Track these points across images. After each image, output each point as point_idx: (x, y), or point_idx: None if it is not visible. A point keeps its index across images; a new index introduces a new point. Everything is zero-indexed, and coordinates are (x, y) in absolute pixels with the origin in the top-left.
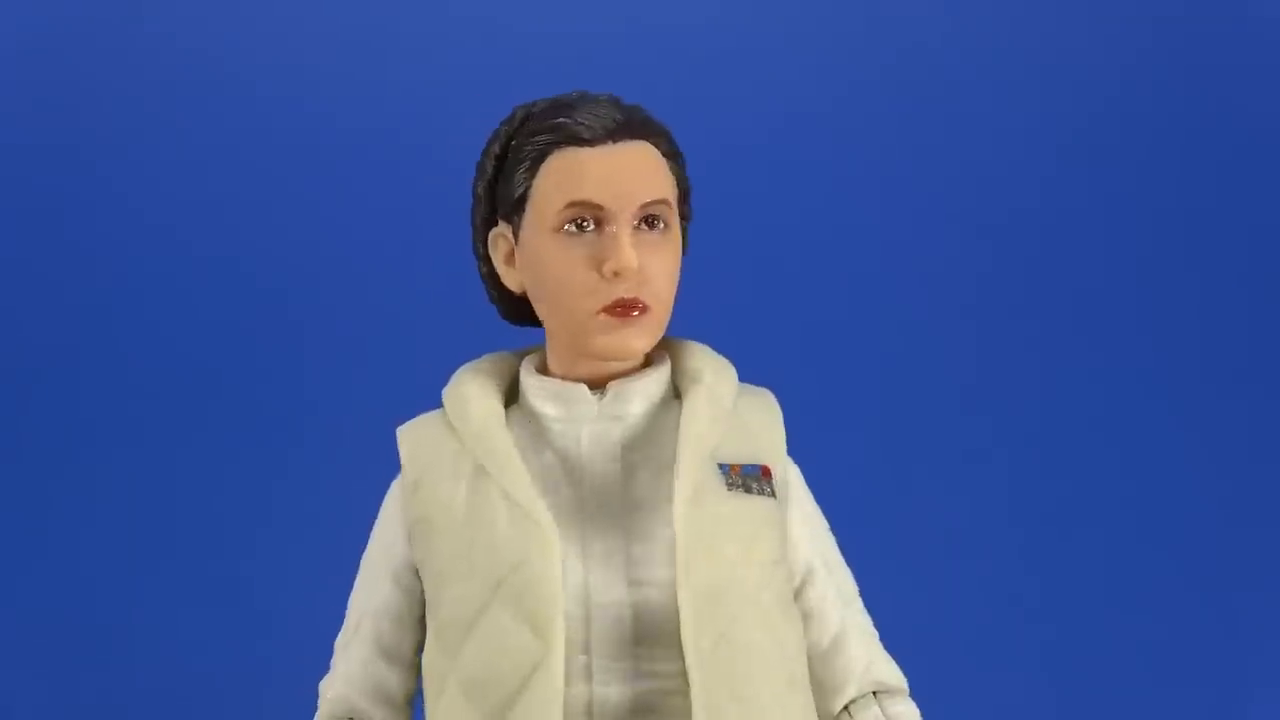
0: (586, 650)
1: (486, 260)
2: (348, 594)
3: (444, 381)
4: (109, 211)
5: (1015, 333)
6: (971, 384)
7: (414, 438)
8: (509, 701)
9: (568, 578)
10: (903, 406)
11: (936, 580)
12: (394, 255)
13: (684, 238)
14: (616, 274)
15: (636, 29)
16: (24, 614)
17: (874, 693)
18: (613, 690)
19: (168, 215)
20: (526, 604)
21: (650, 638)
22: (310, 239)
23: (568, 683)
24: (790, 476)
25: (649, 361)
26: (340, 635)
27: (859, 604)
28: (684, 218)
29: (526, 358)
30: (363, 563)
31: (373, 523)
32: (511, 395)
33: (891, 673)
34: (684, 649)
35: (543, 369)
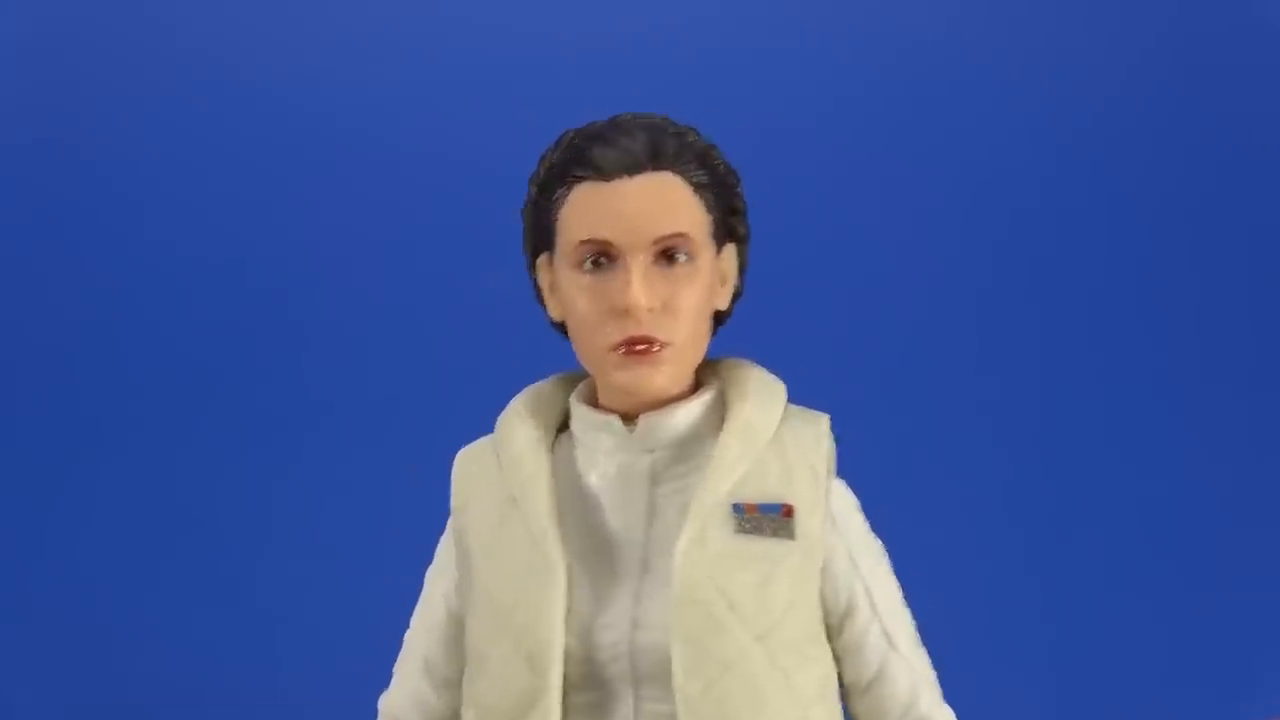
0: (589, 688)
1: (537, 287)
2: (351, 594)
3: (444, 381)
4: (109, 211)
5: (1017, 333)
6: (972, 384)
7: (466, 462)
8: None
9: (573, 615)
10: (902, 406)
11: (936, 580)
12: (395, 255)
13: (741, 259)
14: (626, 312)
15: (636, 29)
16: (24, 615)
17: None
18: None
19: (167, 215)
20: (526, 642)
21: (650, 678)
22: (310, 239)
23: (569, 717)
24: (838, 507)
25: (699, 384)
26: (402, 649)
27: (909, 643)
28: (736, 239)
29: (582, 383)
30: (425, 578)
31: (369, 523)
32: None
33: (938, 715)
34: (674, 692)
35: (592, 397)
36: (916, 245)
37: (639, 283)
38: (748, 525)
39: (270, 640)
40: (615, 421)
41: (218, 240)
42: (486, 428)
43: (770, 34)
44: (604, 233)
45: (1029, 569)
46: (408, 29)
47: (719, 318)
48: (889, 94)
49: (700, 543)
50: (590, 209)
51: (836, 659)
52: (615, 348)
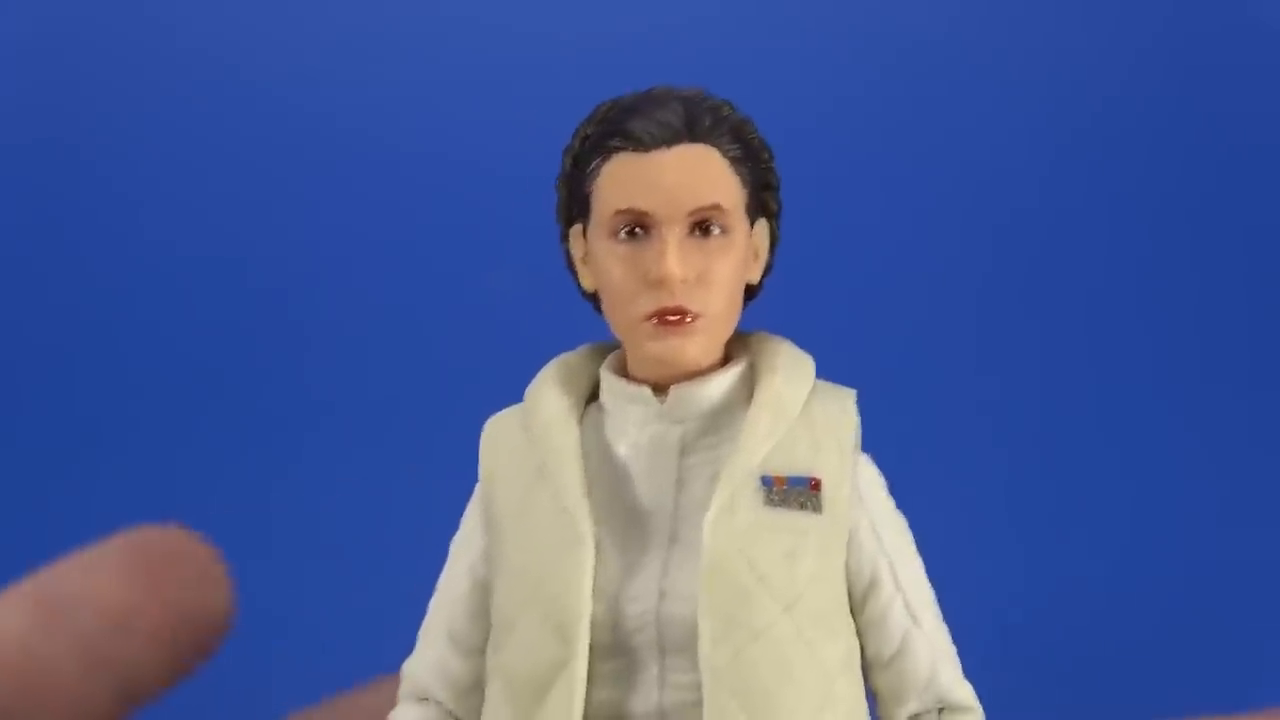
0: (615, 656)
1: (570, 257)
2: (351, 593)
3: (444, 381)
4: (109, 211)
5: (1017, 333)
6: (971, 384)
7: (494, 430)
8: (536, 703)
9: (601, 582)
10: (901, 405)
11: (934, 579)
12: (395, 255)
13: (774, 231)
14: (660, 282)
15: (636, 29)
16: None
17: (940, 710)
18: (640, 697)
19: (167, 215)
20: (554, 610)
21: (676, 648)
22: (310, 239)
23: (595, 687)
24: (862, 483)
25: (728, 357)
26: (426, 616)
27: (931, 619)
28: (768, 214)
29: (612, 354)
30: (450, 547)
31: (369, 523)
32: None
33: (959, 691)
34: (699, 663)
35: (622, 367)
36: (916, 245)
37: (674, 253)
38: (776, 498)
39: (270, 638)
40: (646, 392)
41: (218, 240)
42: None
43: (770, 34)
44: (640, 203)
45: (1028, 568)
46: (408, 29)
47: (750, 292)
48: (889, 94)
49: (729, 514)
50: (627, 179)
51: (859, 633)
52: (648, 318)
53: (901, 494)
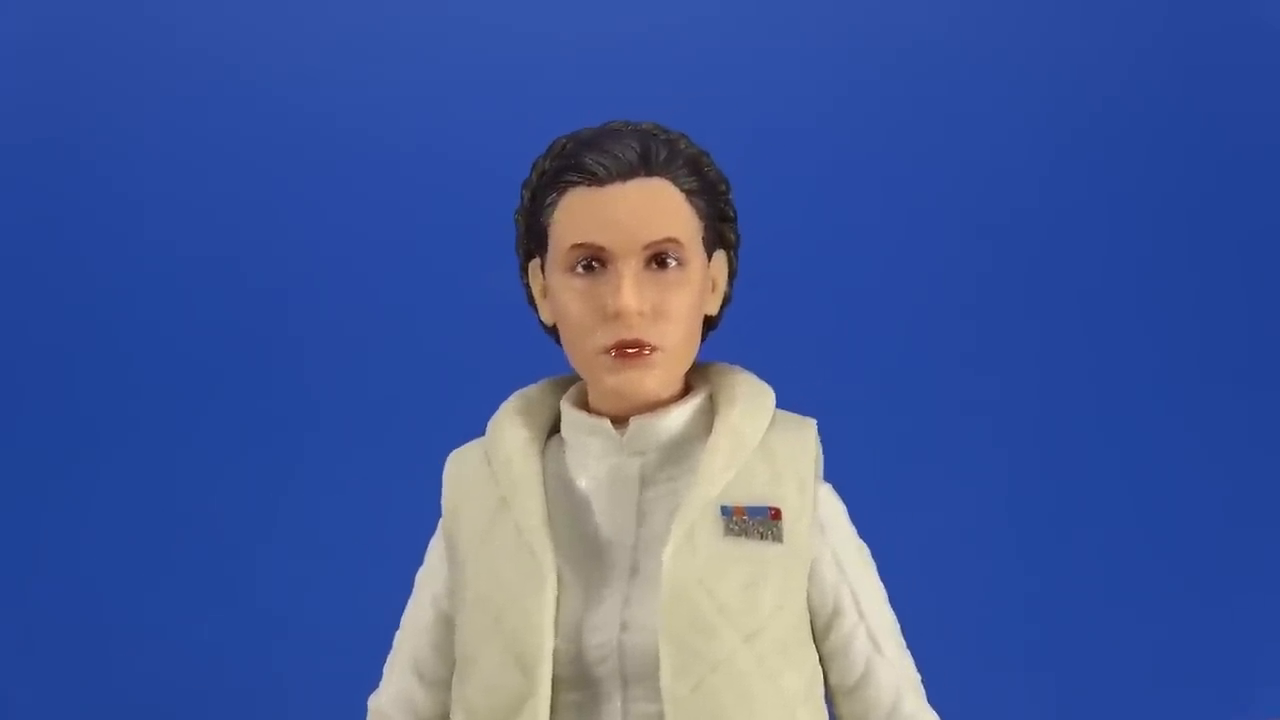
0: (578, 688)
1: (529, 291)
2: (350, 594)
3: (444, 382)
4: (109, 211)
5: (1015, 333)
6: (971, 384)
7: (457, 464)
8: None
9: (563, 615)
10: (902, 406)
11: (936, 581)
12: (395, 255)
13: (732, 263)
14: (617, 315)
15: (636, 29)
16: (24, 615)
17: None
18: None
19: (167, 215)
20: (516, 643)
21: (638, 679)
22: (310, 239)
23: (559, 718)
24: (824, 513)
25: (688, 389)
26: (391, 650)
27: (894, 646)
28: (726, 246)
29: (573, 386)
30: (415, 580)
31: (369, 523)
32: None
33: (922, 718)
34: (661, 693)
35: (583, 400)
36: (916, 245)
37: (629, 287)
38: (735, 528)
39: (269, 639)
40: (605, 425)
41: (218, 240)
42: (485, 428)
43: (770, 34)
44: (596, 237)
45: (1027, 569)
46: (408, 29)
47: (709, 323)
48: (889, 94)
49: (688, 545)
50: (582, 214)
51: (822, 661)
52: (606, 351)
53: (899, 496)
